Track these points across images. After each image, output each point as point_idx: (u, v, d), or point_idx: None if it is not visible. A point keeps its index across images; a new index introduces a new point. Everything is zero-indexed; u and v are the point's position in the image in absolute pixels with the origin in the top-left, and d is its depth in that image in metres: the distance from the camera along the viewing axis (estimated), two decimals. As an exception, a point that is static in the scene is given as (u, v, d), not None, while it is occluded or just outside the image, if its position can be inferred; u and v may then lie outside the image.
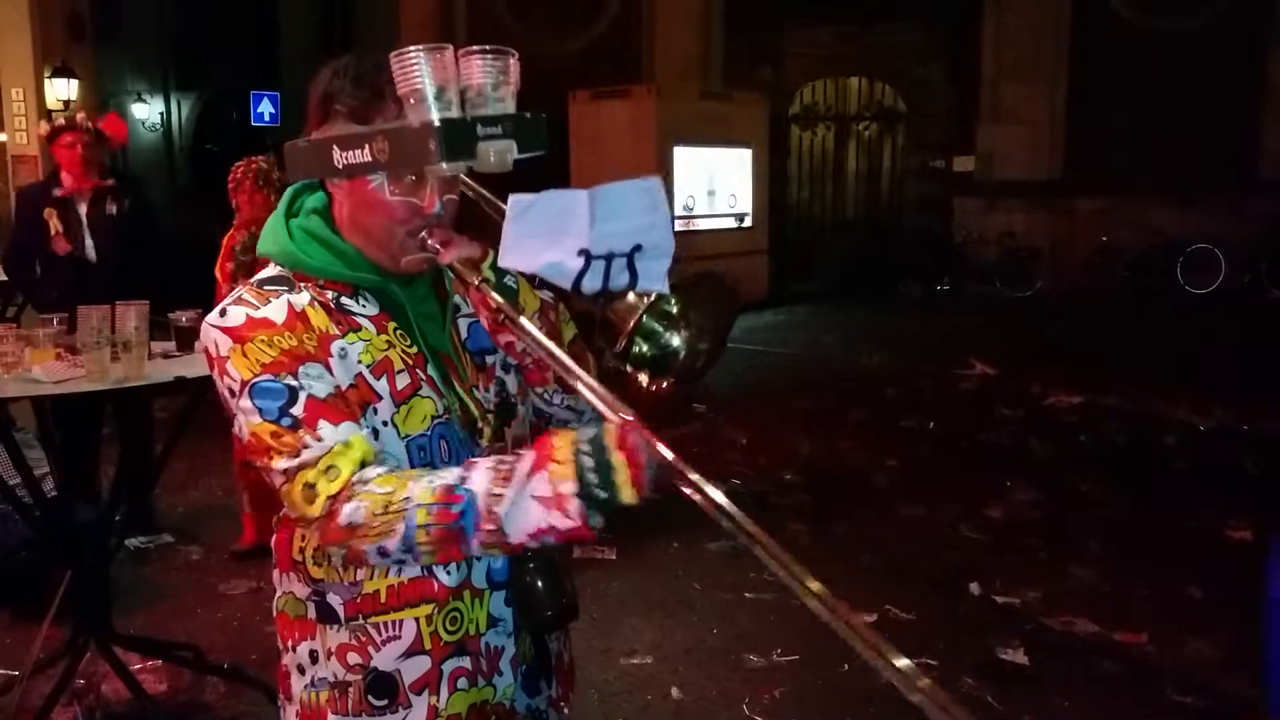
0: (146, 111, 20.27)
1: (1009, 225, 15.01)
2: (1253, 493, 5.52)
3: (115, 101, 18.81)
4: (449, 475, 1.18)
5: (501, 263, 1.16)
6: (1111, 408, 7.46)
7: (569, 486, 1.10)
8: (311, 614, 1.34)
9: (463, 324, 1.39)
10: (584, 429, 1.15)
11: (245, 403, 1.22)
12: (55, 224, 4.42)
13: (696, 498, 1.04)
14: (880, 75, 16.28)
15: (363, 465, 1.20)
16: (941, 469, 6.10)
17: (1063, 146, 15.10)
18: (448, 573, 1.31)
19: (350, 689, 1.32)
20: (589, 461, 1.10)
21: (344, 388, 1.25)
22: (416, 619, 1.31)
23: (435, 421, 1.31)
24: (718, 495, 1.03)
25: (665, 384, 1.23)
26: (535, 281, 1.20)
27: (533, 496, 1.12)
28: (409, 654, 1.31)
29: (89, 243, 4.49)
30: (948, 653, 3.68)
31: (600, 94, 12.59)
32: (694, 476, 1.04)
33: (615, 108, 12.48)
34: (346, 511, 1.17)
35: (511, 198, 1.14)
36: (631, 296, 1.17)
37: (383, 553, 1.18)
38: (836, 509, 5.35)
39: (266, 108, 16.87)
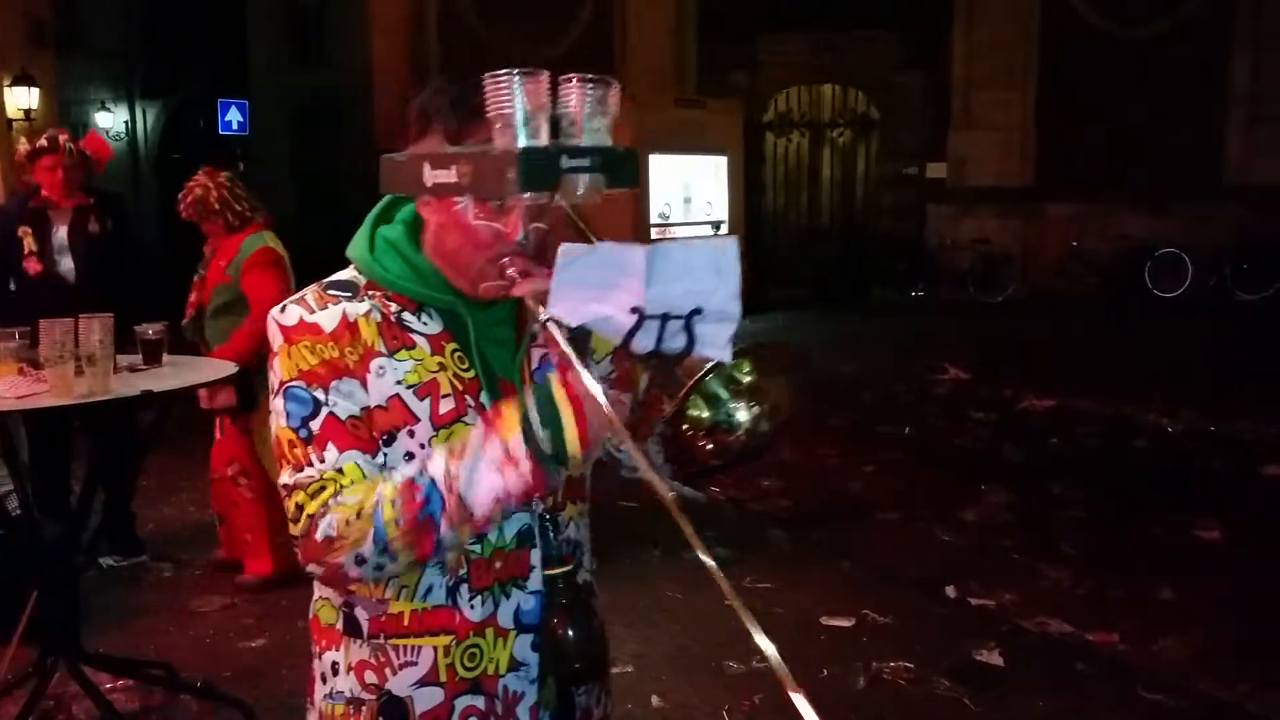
0: (111, 120, 20.09)
1: (981, 231, 15.14)
2: (1222, 493, 5.60)
3: (79, 110, 18.62)
4: (410, 467, 1.19)
5: (550, 310, 1.10)
6: (1083, 411, 7.53)
7: (515, 437, 1.12)
8: (340, 624, 1.33)
9: (536, 354, 1.35)
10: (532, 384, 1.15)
11: (278, 403, 1.25)
12: (30, 244, 4.28)
13: (637, 461, 1.05)
14: (853, 83, 16.39)
15: None
16: (917, 474, 6.14)
17: (1033, 153, 15.27)
18: (472, 606, 1.29)
19: (364, 708, 1.31)
20: (530, 403, 1.12)
21: (373, 407, 1.25)
22: (435, 648, 1.29)
23: None
24: (655, 477, 1.03)
25: (715, 454, 1.16)
26: None
27: (486, 462, 1.14)
28: (423, 683, 1.29)
29: (66, 263, 4.31)
30: (925, 655, 3.70)
31: (573, 102, 12.58)
32: (627, 442, 1.05)
33: (589, 116, 12.47)
34: (323, 527, 1.18)
35: (562, 246, 1.08)
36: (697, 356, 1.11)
37: (359, 560, 1.18)
38: (814, 515, 5.37)
39: (235, 116, 16.74)
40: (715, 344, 1.10)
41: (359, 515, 1.17)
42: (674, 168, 13.01)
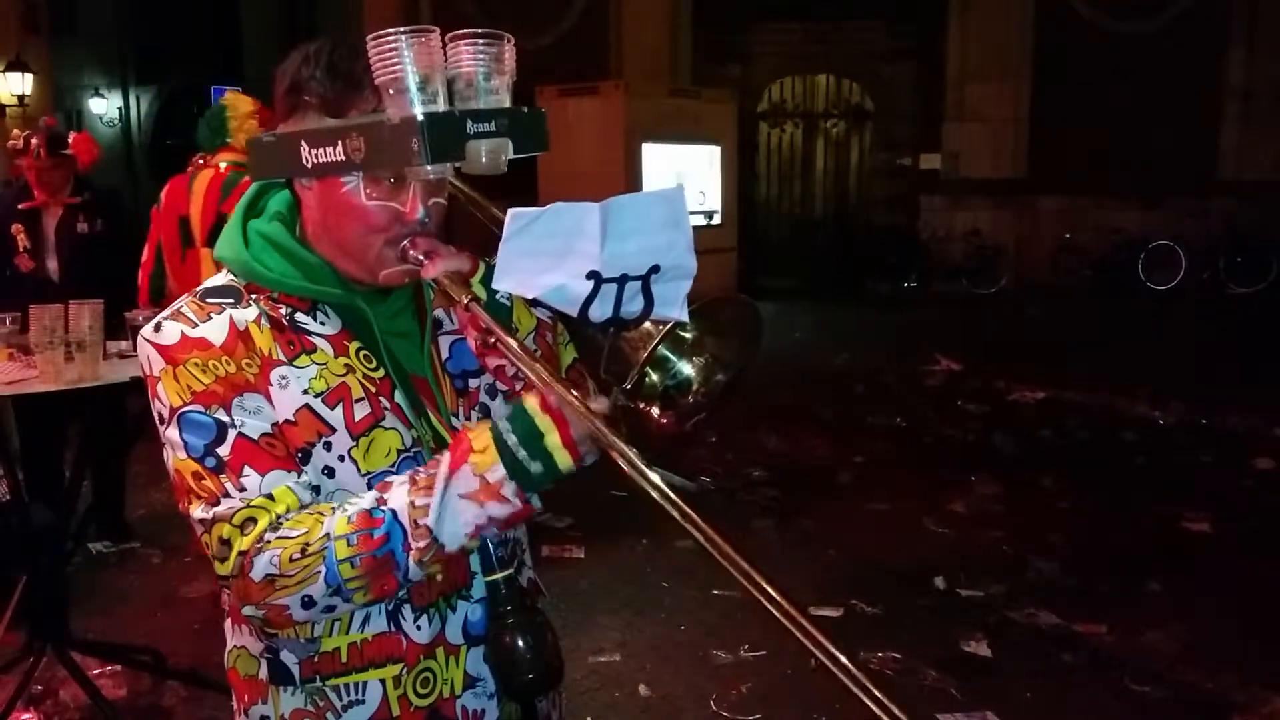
0: (104, 106, 19.99)
1: (974, 223, 15.15)
2: (1210, 486, 5.62)
3: (72, 96, 18.54)
4: (365, 500, 1.08)
5: (496, 284, 1.03)
6: (1073, 403, 7.55)
7: (497, 472, 1.03)
8: (264, 673, 1.19)
9: (444, 342, 1.24)
10: (502, 408, 1.07)
11: (172, 433, 1.10)
12: (23, 240, 4.26)
13: (625, 466, 0.97)
14: (848, 73, 16.36)
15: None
16: (907, 464, 6.15)
17: (1027, 145, 15.27)
18: (418, 628, 1.18)
19: None
20: (512, 438, 1.03)
21: (282, 423, 1.11)
22: (383, 681, 1.17)
23: (402, 455, 1.16)
24: (651, 474, 0.96)
25: (677, 420, 1.10)
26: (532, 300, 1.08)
27: (460, 496, 1.03)
28: None
29: (52, 262, 4.27)
30: (912, 646, 3.71)
31: (568, 90, 12.56)
32: (618, 442, 0.97)
33: (583, 104, 12.45)
34: (260, 565, 1.05)
35: (511, 211, 1.00)
36: (647, 324, 1.04)
37: (307, 602, 1.06)
38: (803, 505, 5.38)
39: (229, 103, 16.67)
40: (673, 302, 1.04)
41: (304, 552, 1.04)
42: (667, 157, 13.00)
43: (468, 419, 1.22)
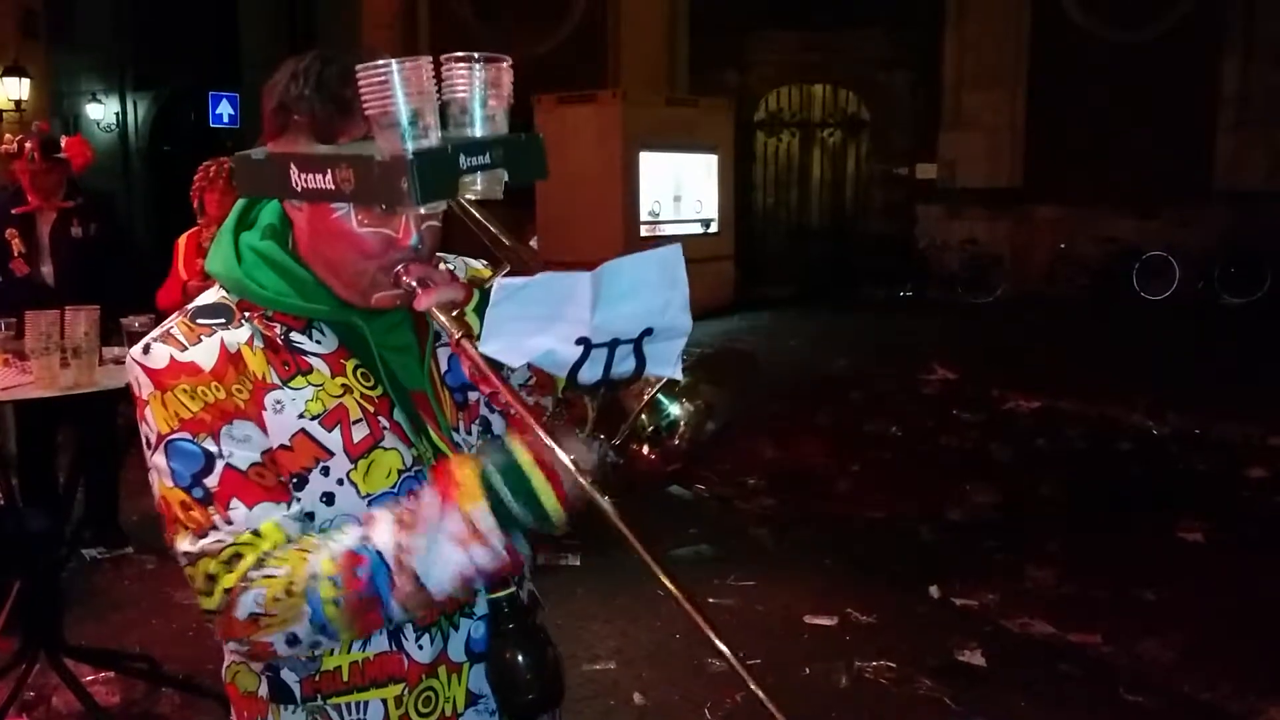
0: (101, 112, 19.99)
1: (970, 232, 15.19)
2: (1205, 496, 5.63)
3: (70, 102, 18.54)
4: (349, 537, 1.06)
5: (483, 348, 1.00)
6: (1069, 412, 7.56)
7: (478, 509, 1.01)
8: (264, 691, 1.18)
9: (443, 354, 1.22)
10: (485, 446, 1.05)
11: (159, 460, 1.09)
12: (17, 245, 4.25)
13: (610, 518, 0.99)
14: (844, 83, 16.42)
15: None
16: (903, 472, 6.15)
17: (1022, 154, 15.32)
18: (420, 647, 1.17)
19: None
20: (505, 492, 1.01)
21: (276, 448, 1.10)
22: (384, 700, 1.16)
23: (403, 476, 1.14)
24: (620, 525, 1.00)
25: (663, 459, 1.09)
26: None
27: (445, 537, 1.01)
28: None
29: (46, 267, 4.26)
30: (907, 654, 3.71)
31: (565, 99, 12.58)
32: (604, 503, 0.99)
33: (581, 113, 12.47)
34: (245, 603, 1.05)
35: (498, 281, 0.98)
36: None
37: (292, 640, 1.06)
38: (799, 513, 5.38)
39: (225, 109, 16.70)
40: (666, 361, 1.03)
41: (289, 592, 1.04)
42: (664, 165, 13.03)
43: (469, 433, 1.21)
